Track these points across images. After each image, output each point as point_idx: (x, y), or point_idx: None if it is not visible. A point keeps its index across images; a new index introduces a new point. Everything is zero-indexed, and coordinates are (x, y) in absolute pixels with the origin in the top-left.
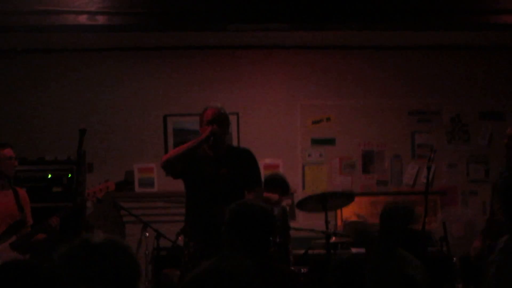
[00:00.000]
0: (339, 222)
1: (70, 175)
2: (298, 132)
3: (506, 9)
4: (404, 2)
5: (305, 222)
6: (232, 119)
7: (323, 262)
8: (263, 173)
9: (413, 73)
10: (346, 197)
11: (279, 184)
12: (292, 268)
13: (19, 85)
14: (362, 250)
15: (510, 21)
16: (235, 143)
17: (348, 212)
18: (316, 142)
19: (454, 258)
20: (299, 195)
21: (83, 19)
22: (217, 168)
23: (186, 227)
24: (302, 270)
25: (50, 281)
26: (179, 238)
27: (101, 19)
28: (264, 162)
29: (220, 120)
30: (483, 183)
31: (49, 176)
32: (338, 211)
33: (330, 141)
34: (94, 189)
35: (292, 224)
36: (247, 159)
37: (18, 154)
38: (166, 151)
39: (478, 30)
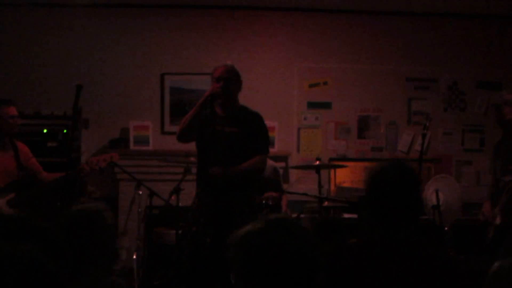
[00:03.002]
0: (332, 187)
1: (65, 131)
2: (295, 95)
3: None
4: None
5: (298, 186)
6: None
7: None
8: None
9: (412, 40)
10: None
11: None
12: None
13: (18, 39)
14: (354, 215)
15: None
16: None
17: (342, 177)
18: (312, 105)
19: (446, 227)
20: (294, 158)
21: None
22: (225, 126)
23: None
24: None
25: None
26: (172, 197)
27: None
28: None
29: (227, 78)
30: (478, 153)
31: (45, 131)
32: (332, 176)
33: (326, 105)
34: (97, 158)
35: (285, 187)
36: (258, 123)
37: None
38: (162, 110)
39: None
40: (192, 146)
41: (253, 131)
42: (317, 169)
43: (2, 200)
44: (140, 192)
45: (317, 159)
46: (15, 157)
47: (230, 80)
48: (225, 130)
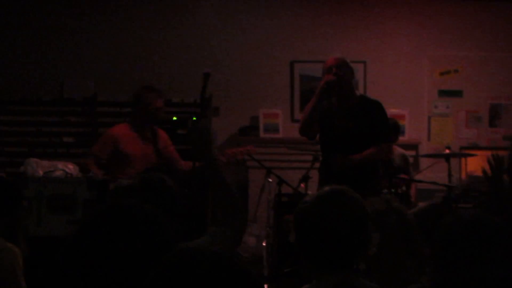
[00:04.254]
0: (463, 175)
1: (194, 118)
2: (425, 83)
3: None
4: None
5: (429, 174)
6: (359, 67)
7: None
8: None
9: None
10: None
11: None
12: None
13: (146, 26)
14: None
15: None
16: (361, 92)
17: (473, 165)
18: (443, 93)
19: None
20: (424, 147)
21: None
22: (345, 120)
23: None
24: None
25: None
26: (301, 185)
27: None
28: (390, 111)
29: (337, 66)
30: None
31: (174, 118)
32: (463, 164)
33: (457, 93)
34: (234, 150)
35: (416, 176)
36: (377, 112)
37: None
38: (292, 97)
39: None
40: None
41: (373, 122)
42: (447, 157)
43: None
44: (270, 180)
45: (447, 147)
46: (154, 144)
47: (341, 69)
48: (343, 123)
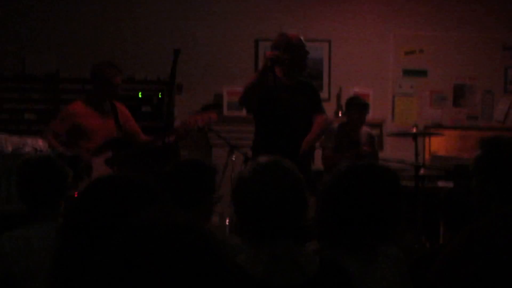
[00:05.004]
0: (426, 155)
1: (160, 95)
2: (390, 62)
3: None
4: None
5: (393, 153)
6: (324, 46)
7: (411, 194)
8: None
9: (510, 7)
10: None
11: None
12: None
13: (113, 3)
14: (450, 184)
15: None
16: (326, 70)
17: (436, 145)
18: (407, 73)
19: None
20: (388, 125)
21: None
22: (292, 95)
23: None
24: None
25: (144, 195)
26: None
27: None
28: (354, 90)
29: (284, 46)
30: None
31: (139, 95)
32: (426, 144)
33: (422, 73)
34: (196, 117)
35: (380, 154)
36: (314, 89)
37: None
38: None
39: None
40: None
41: (313, 98)
42: (414, 136)
43: (100, 159)
44: (234, 158)
45: (414, 126)
46: (114, 119)
47: (289, 49)
48: (291, 100)
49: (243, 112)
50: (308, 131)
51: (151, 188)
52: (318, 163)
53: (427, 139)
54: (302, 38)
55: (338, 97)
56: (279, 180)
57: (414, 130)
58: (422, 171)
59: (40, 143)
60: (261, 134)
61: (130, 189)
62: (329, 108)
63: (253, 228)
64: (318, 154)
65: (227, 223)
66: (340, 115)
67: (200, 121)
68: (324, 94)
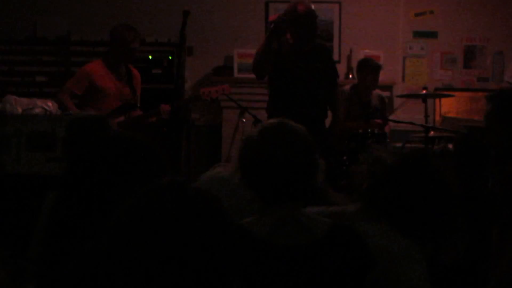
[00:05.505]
0: (437, 117)
1: (170, 57)
2: (400, 24)
3: None
4: None
5: (403, 115)
6: (334, 7)
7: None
8: None
9: None
10: None
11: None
12: None
13: None
14: None
15: None
16: (336, 32)
17: (447, 107)
18: (418, 34)
19: None
20: (398, 87)
21: None
22: (305, 60)
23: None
24: None
25: (152, 157)
26: None
27: None
28: (365, 52)
29: (291, 19)
30: None
31: (150, 57)
32: (437, 106)
33: (432, 34)
34: (210, 88)
35: (390, 116)
36: (330, 54)
37: None
38: None
39: None
40: None
41: (329, 65)
42: (424, 98)
43: (113, 121)
44: (244, 120)
45: (424, 88)
46: (129, 83)
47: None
48: (305, 65)
49: (253, 74)
50: (323, 96)
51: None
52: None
53: (437, 102)
54: (311, 8)
55: (349, 58)
56: (286, 142)
57: (424, 91)
58: (432, 133)
59: (50, 104)
60: (275, 100)
61: (129, 146)
62: (340, 70)
63: (260, 191)
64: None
65: None
66: (350, 76)
67: (214, 93)
68: (334, 56)
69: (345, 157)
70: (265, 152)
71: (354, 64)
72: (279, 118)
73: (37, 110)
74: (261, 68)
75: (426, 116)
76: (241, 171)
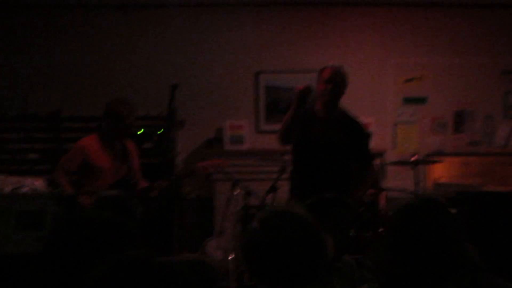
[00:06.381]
0: (428, 183)
1: (161, 131)
2: (390, 90)
3: None
4: None
5: (395, 182)
6: None
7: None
8: None
9: (508, 32)
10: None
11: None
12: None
13: (111, 40)
14: (453, 210)
15: None
16: None
17: (439, 173)
18: (408, 100)
19: None
20: (389, 154)
21: None
22: (325, 129)
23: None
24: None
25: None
26: (268, 196)
27: None
28: None
29: (335, 81)
30: None
31: (141, 131)
32: (429, 171)
33: (422, 100)
34: (206, 163)
35: (383, 184)
36: (360, 131)
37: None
38: (257, 108)
39: None
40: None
41: (354, 140)
42: (415, 164)
43: None
44: (236, 192)
45: (413, 154)
46: (124, 158)
47: (338, 84)
48: (326, 134)
49: (244, 146)
50: (344, 167)
51: (123, 228)
52: None
53: (429, 167)
54: (337, 72)
55: None
56: (287, 232)
57: (413, 158)
58: None
59: (37, 183)
60: (296, 167)
61: (103, 228)
62: None
63: (264, 280)
64: None
65: (230, 258)
66: None
67: (210, 168)
68: None
69: None
70: (267, 242)
71: None
72: (280, 206)
73: (26, 189)
74: (285, 135)
75: (417, 183)
76: (244, 261)
